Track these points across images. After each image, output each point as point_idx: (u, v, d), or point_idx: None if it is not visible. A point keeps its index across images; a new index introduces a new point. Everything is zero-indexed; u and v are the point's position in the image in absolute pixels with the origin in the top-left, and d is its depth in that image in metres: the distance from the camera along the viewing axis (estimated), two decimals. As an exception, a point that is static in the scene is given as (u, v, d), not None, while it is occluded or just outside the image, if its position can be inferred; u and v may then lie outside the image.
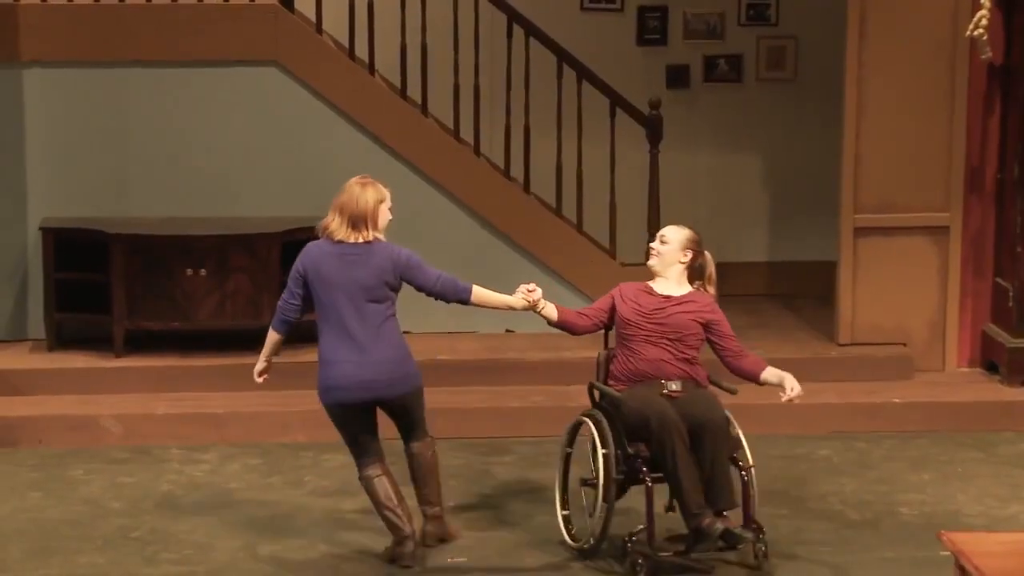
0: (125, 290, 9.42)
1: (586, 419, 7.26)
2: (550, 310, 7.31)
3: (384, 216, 7.17)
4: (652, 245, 7.40)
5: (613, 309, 7.30)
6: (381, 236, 7.15)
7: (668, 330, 7.15)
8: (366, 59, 9.99)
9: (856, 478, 8.39)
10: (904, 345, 9.78)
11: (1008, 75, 9.62)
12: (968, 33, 9.38)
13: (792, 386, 7.08)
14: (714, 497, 6.90)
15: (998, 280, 9.75)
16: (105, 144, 9.83)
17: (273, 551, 7.36)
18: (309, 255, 7.14)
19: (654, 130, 9.98)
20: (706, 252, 7.36)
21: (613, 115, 10.00)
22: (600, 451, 7.05)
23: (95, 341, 9.55)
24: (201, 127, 9.87)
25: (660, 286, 7.27)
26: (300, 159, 9.91)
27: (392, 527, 7.12)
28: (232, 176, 9.91)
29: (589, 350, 9.43)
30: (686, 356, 7.15)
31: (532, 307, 7.26)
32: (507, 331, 10.05)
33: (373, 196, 7.13)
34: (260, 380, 7.44)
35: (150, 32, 9.73)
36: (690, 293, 7.25)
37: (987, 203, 9.80)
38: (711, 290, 7.34)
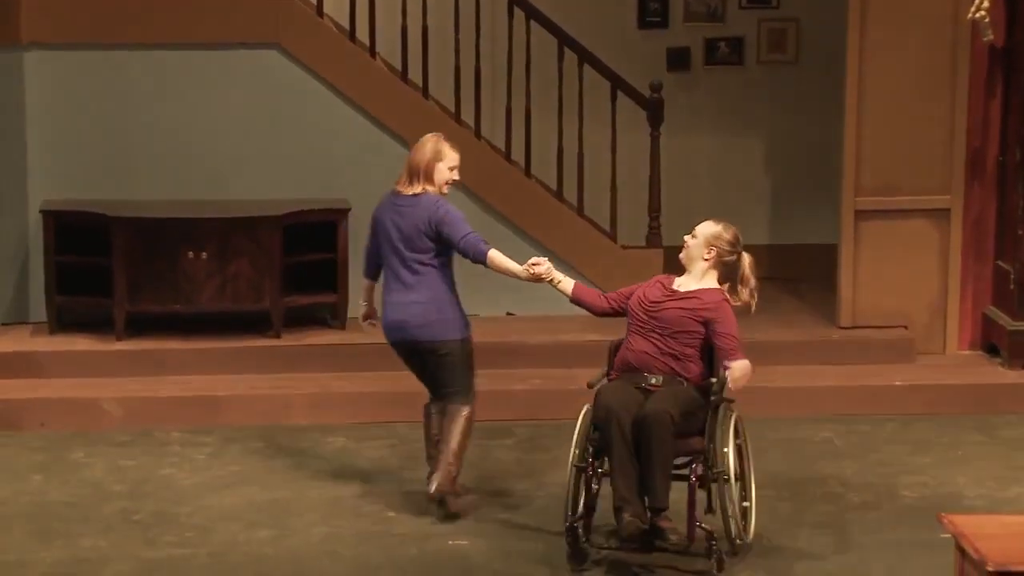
0: (126, 273, 9.42)
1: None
2: (566, 285, 7.31)
3: (441, 174, 7.49)
4: (685, 238, 7.26)
5: (630, 298, 7.22)
6: (432, 190, 7.45)
7: (659, 324, 7.05)
8: (367, 42, 9.98)
9: (857, 461, 8.39)
10: (905, 328, 9.78)
11: (1009, 57, 9.60)
12: (970, 15, 9.37)
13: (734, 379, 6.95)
14: (647, 494, 6.79)
15: (999, 263, 9.74)
16: (106, 127, 9.82)
17: (274, 534, 7.36)
18: (378, 204, 7.61)
19: (655, 113, 9.97)
20: (744, 253, 7.15)
21: (614, 98, 9.99)
22: (574, 438, 7.00)
23: (96, 324, 9.54)
24: (202, 110, 9.86)
25: (681, 280, 7.17)
26: (301, 142, 9.90)
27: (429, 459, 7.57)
28: (233, 159, 9.90)
29: (589, 334, 9.47)
30: (673, 352, 7.01)
31: (535, 279, 7.26)
32: (508, 314, 10.05)
33: (431, 151, 7.49)
34: (367, 324, 7.81)
35: (151, 14, 9.72)
36: (700, 290, 7.09)
37: (988, 186, 9.79)
38: (744, 291, 7.14)
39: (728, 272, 7.16)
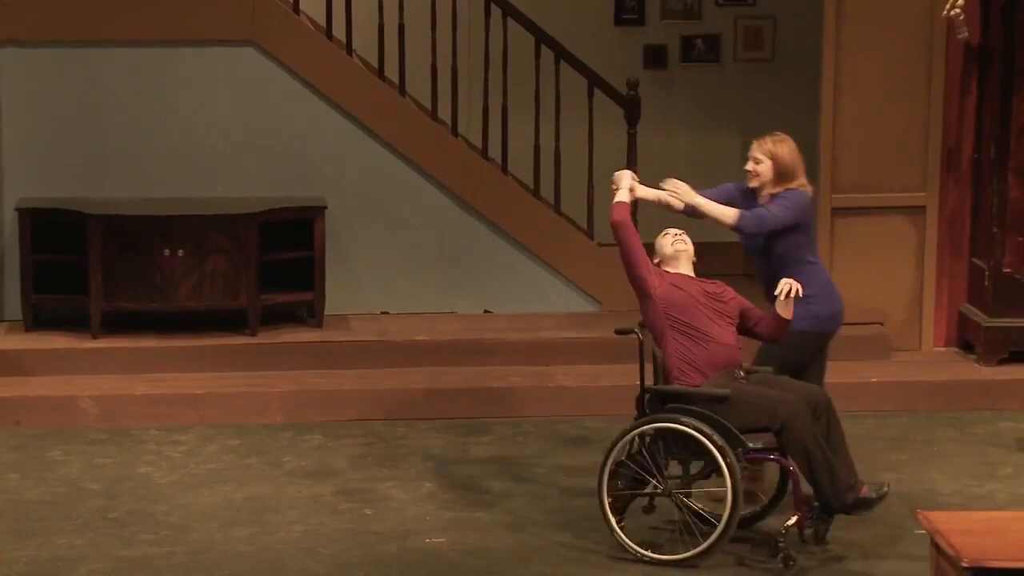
0: (102, 271, 9.40)
1: (676, 426, 6.84)
2: (644, 192, 7.37)
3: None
4: (671, 231, 7.32)
5: (660, 283, 7.09)
6: (791, 185, 7.45)
7: (729, 315, 7.07)
8: (343, 39, 9.97)
9: (833, 457, 8.41)
10: (881, 324, 9.80)
11: (985, 55, 9.64)
12: (945, 13, 9.40)
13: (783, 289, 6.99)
14: (847, 475, 6.93)
15: (974, 260, 9.78)
16: (82, 125, 9.80)
17: (251, 532, 7.36)
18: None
19: (632, 110, 9.99)
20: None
21: (591, 95, 10.00)
22: (721, 458, 6.76)
23: (73, 322, 9.52)
24: (178, 107, 9.84)
25: (689, 270, 7.22)
26: (277, 139, 9.89)
27: None
28: (210, 157, 9.89)
29: (566, 331, 9.49)
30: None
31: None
32: (485, 311, 10.06)
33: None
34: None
35: (126, 12, 9.70)
36: (711, 281, 7.23)
37: (964, 183, 9.82)
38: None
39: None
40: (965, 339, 9.79)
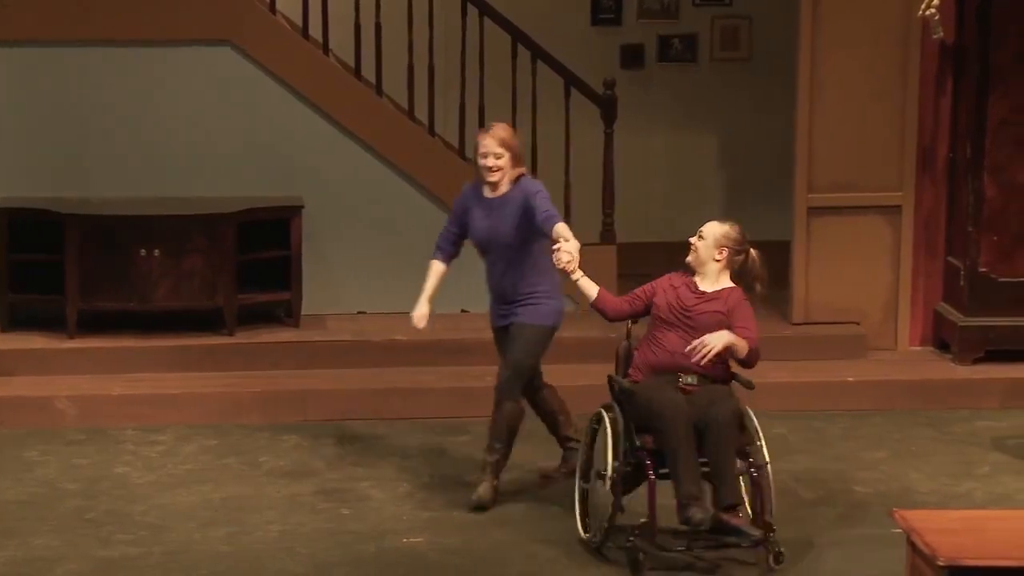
0: (80, 271, 9.38)
1: (602, 411, 7.16)
2: (588, 285, 7.25)
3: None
4: (691, 239, 7.25)
5: (652, 298, 7.21)
6: (521, 170, 7.70)
7: (692, 325, 7.06)
8: (320, 38, 9.96)
9: (810, 456, 8.43)
10: (857, 324, 9.83)
11: (960, 55, 9.67)
12: (920, 13, 9.43)
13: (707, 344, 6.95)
14: (720, 493, 6.84)
15: (950, 259, 9.81)
16: (59, 125, 9.77)
17: (229, 532, 7.35)
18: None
19: (608, 110, 10.00)
20: (752, 251, 7.18)
21: (568, 95, 10.01)
22: (609, 445, 6.96)
23: (50, 322, 9.50)
24: (155, 107, 9.82)
25: (700, 281, 7.18)
26: (255, 139, 9.88)
27: None
28: (186, 156, 9.87)
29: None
30: None
31: (564, 269, 7.15)
32: (462, 311, 10.06)
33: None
34: None
35: (104, 11, 9.67)
36: (720, 290, 7.12)
37: (939, 183, 9.86)
38: (757, 286, 7.16)
39: (739, 270, 7.18)
40: (941, 338, 9.82)
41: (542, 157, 10.05)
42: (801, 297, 9.84)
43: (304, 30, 9.94)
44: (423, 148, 10.01)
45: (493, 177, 7.50)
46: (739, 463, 6.95)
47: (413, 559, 7.05)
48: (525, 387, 7.70)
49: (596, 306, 7.33)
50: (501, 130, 7.57)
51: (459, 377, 9.21)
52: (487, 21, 9.99)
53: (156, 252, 9.41)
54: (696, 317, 7.09)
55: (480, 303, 9.93)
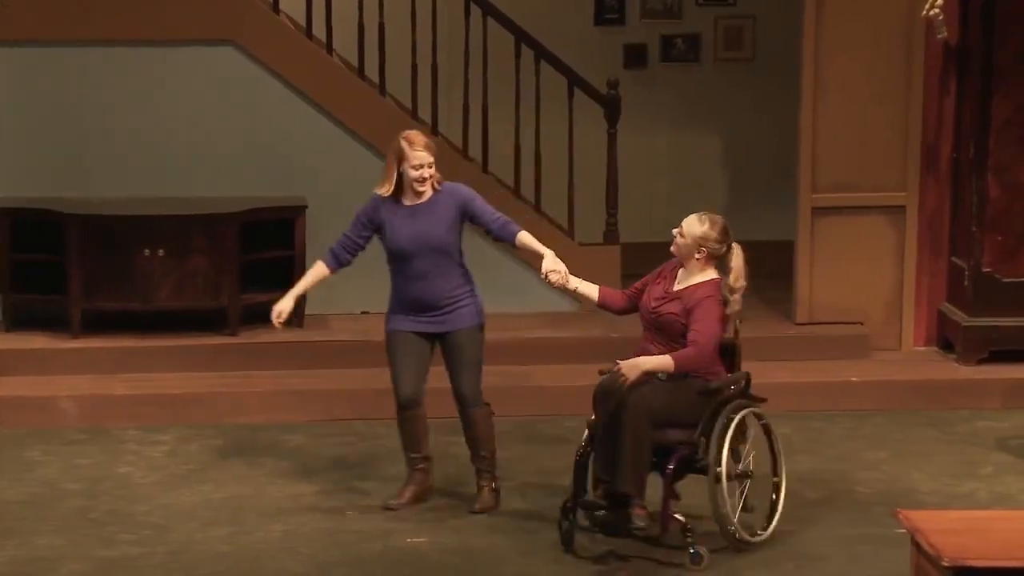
0: (82, 271, 9.37)
1: None
2: (587, 289, 7.28)
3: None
4: (674, 232, 7.21)
5: (642, 294, 7.23)
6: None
7: (659, 325, 7.07)
8: (323, 38, 9.96)
9: (813, 456, 8.42)
10: (861, 324, 9.82)
11: (963, 55, 9.66)
12: (924, 13, 9.42)
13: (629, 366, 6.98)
14: (614, 479, 6.90)
15: (954, 259, 9.80)
16: (62, 124, 9.78)
17: (230, 532, 7.34)
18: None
19: (612, 110, 9.99)
20: (734, 244, 7.14)
21: (571, 95, 10.00)
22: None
23: (52, 322, 9.50)
24: (158, 107, 9.82)
25: (681, 275, 7.17)
26: (258, 139, 9.88)
27: None
28: (190, 156, 9.87)
29: (544, 330, 9.50)
30: (672, 348, 7.00)
31: (558, 285, 7.26)
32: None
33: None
34: None
35: (106, 11, 9.67)
36: (694, 285, 7.07)
37: (943, 183, 9.84)
38: (737, 285, 7.08)
39: (722, 264, 7.16)
40: (945, 338, 9.81)
41: (546, 157, 10.04)
42: (805, 297, 9.83)
43: (307, 30, 9.94)
44: (426, 148, 9.99)
45: (426, 187, 7.42)
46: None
47: (416, 559, 7.05)
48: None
49: (601, 306, 7.36)
50: (426, 138, 7.47)
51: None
52: (490, 21, 9.98)
53: (159, 252, 9.41)
54: (658, 319, 7.09)
55: (498, 303, 9.94)
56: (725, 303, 7.06)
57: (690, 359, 6.94)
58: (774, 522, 7.19)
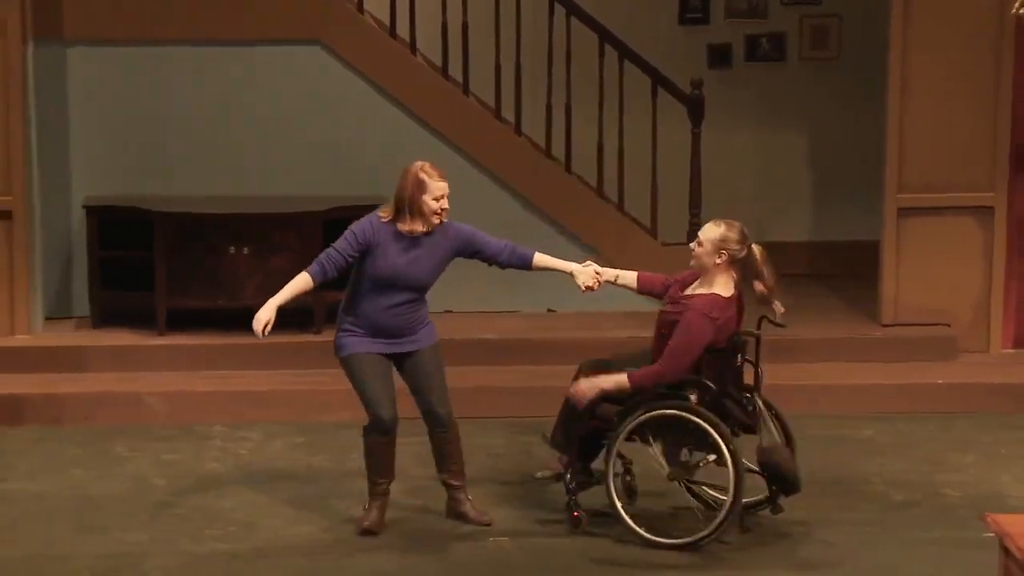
0: (168, 268, 9.46)
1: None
2: (625, 278, 7.40)
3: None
4: (691, 245, 7.27)
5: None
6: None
7: (661, 322, 7.19)
8: (407, 38, 9.99)
9: (899, 459, 8.36)
10: (948, 326, 9.73)
11: (1054, 54, 9.56)
12: (1014, 11, 9.29)
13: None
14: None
15: (1043, 261, 9.71)
16: (149, 123, 9.87)
17: (316, 530, 7.38)
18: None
19: (696, 109, 9.96)
20: (753, 245, 7.16)
21: (655, 94, 9.98)
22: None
23: (139, 319, 9.59)
24: (244, 106, 9.89)
25: (699, 282, 7.21)
26: (342, 138, 9.93)
27: None
28: (275, 155, 9.93)
29: (629, 330, 9.46)
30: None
31: (598, 288, 7.35)
32: (549, 311, 10.05)
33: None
34: None
35: (193, 11, 9.76)
36: (695, 296, 7.11)
37: (1033, 183, 9.75)
38: (759, 284, 7.10)
39: (744, 268, 7.15)
40: (1034, 340, 9.72)
41: (629, 157, 10.03)
42: (891, 298, 9.76)
43: (391, 29, 9.97)
44: (509, 147, 10.02)
45: (442, 218, 7.28)
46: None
47: (499, 558, 7.06)
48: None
49: (641, 292, 7.45)
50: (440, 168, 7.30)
51: (544, 377, 9.18)
52: (574, 20, 9.97)
53: (244, 250, 9.47)
54: (664, 319, 7.18)
55: (566, 303, 9.96)
56: (716, 319, 7.05)
57: (649, 377, 7.03)
58: (710, 529, 7.10)
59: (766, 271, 7.14)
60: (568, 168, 10.09)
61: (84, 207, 9.68)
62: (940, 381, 9.25)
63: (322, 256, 7.23)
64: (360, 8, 9.95)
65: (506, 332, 9.64)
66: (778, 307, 7.12)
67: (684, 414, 7.01)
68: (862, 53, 10.97)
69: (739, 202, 11.15)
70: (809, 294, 10.61)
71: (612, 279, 7.38)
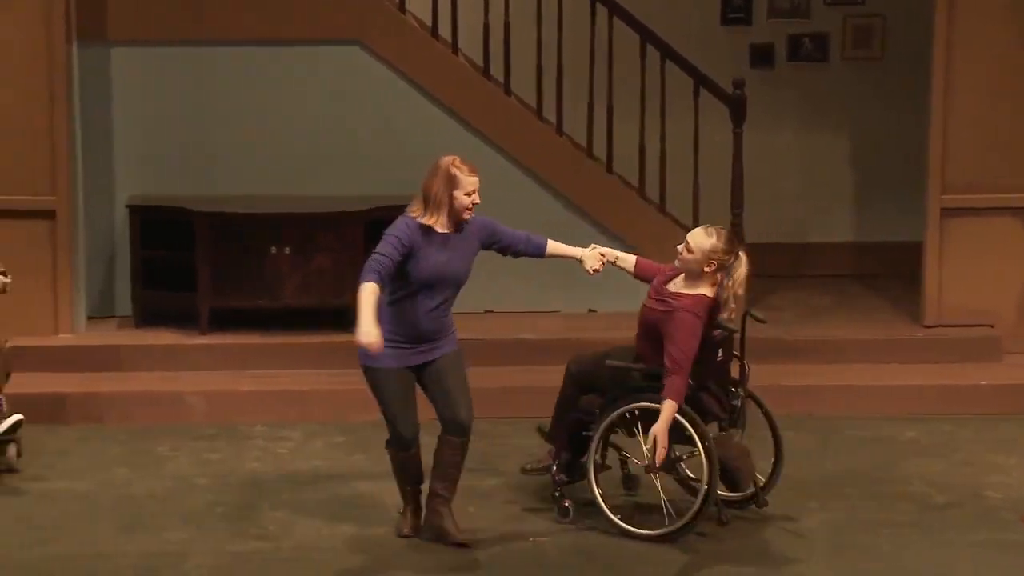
0: (210, 268, 9.49)
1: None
2: (624, 260, 7.44)
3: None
4: (678, 248, 7.26)
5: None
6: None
7: (646, 316, 7.24)
8: (449, 38, 9.99)
9: (942, 460, 8.32)
10: (991, 327, 9.68)
11: (1099, 53, 9.49)
12: (1058, 11, 9.26)
13: None
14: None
15: (1087, 261, 9.63)
16: (191, 123, 9.90)
17: (356, 530, 7.39)
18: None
19: (738, 110, 9.92)
20: (741, 254, 7.17)
21: (696, 94, 9.95)
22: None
23: (181, 318, 9.62)
24: (285, 106, 9.91)
25: (680, 278, 7.24)
26: (383, 138, 9.94)
27: None
28: (316, 155, 9.95)
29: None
30: (649, 345, 7.21)
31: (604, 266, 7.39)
32: (590, 311, 10.04)
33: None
34: None
35: (235, 11, 9.79)
36: (683, 295, 7.13)
37: (1077, 183, 9.68)
38: (739, 292, 7.12)
39: (727, 272, 7.19)
40: (1078, 342, 9.65)
41: (671, 156, 10.00)
42: (934, 299, 9.70)
43: (433, 29, 9.98)
44: (551, 147, 10.01)
45: (471, 213, 7.17)
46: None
47: (538, 558, 7.05)
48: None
49: (638, 276, 7.45)
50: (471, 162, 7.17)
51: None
52: (616, 20, 9.96)
53: (286, 250, 9.50)
54: (643, 312, 7.24)
55: (610, 302, 9.94)
56: (708, 320, 7.10)
57: (677, 391, 7.02)
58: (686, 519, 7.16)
59: (744, 281, 7.15)
60: (610, 168, 10.08)
61: (127, 207, 9.73)
62: (983, 382, 9.20)
63: (372, 264, 6.94)
64: (401, 8, 9.96)
65: (546, 332, 9.63)
66: (730, 312, 7.12)
67: (660, 407, 7.05)
68: (905, 53, 10.91)
69: (781, 202, 11.13)
70: (852, 295, 10.57)
71: (613, 260, 7.41)
